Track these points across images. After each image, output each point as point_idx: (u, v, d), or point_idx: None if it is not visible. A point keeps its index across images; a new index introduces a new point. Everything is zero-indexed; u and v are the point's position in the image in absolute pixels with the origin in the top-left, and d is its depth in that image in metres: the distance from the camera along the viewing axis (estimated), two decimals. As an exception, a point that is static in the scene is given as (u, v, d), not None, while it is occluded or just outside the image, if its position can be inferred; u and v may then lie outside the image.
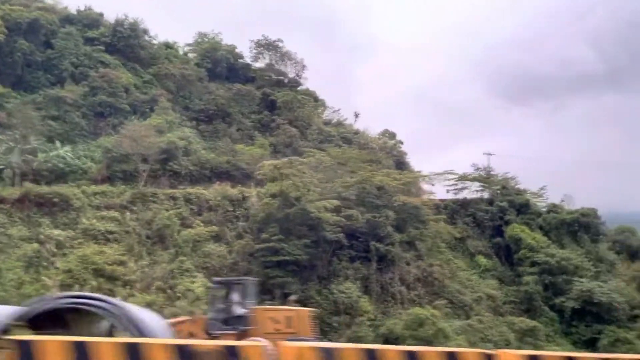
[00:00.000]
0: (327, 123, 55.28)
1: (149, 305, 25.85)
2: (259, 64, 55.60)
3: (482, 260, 42.08)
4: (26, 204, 29.68)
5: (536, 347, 34.40)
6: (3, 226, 28.16)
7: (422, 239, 39.23)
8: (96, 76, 42.46)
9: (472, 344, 33.04)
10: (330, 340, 29.98)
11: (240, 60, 54.91)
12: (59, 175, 34.52)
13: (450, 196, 47.04)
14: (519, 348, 34.03)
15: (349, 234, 34.26)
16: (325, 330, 30.67)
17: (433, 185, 46.00)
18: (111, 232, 29.69)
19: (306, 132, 49.28)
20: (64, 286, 25.80)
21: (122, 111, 41.99)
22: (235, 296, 15.76)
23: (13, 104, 38.59)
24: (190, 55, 55.57)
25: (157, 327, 7.02)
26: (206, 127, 46.12)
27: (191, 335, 13.75)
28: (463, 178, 46.20)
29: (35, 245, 27.70)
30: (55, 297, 9.24)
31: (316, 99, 55.14)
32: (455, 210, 45.45)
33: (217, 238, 32.85)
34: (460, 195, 47.25)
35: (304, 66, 55.05)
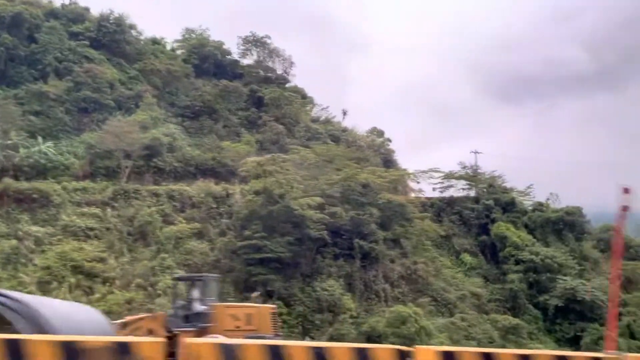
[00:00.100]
0: (316, 120, 55.12)
1: (128, 302, 25.70)
2: (247, 61, 55.37)
3: (467, 258, 42.16)
4: (5, 200, 29.32)
5: (519, 345, 34.52)
6: (-19, 222, 27.80)
7: (407, 236, 39.22)
8: (80, 71, 42.01)
9: (455, 342, 33.09)
10: (312, 338, 29.91)
11: (228, 57, 54.58)
12: (41, 171, 34.13)
13: (437, 194, 47.13)
14: (503, 346, 34.16)
15: (333, 232, 34.15)
16: (307, 328, 30.64)
17: (418, 183, 46.03)
18: (91, 229, 29.38)
19: (293, 129, 49.08)
20: (42, 283, 25.54)
21: (106, 107, 41.57)
22: (195, 293, 15.57)
23: (-5, 99, 38.10)
24: (179, 51, 55.20)
25: (83, 325, 6.80)
26: (192, 123, 45.80)
27: (150, 332, 13.55)
28: (449, 176, 46.25)
29: (14, 241, 27.37)
30: None
31: (304, 96, 54.94)
32: (441, 208, 45.51)
33: (199, 235, 32.63)
34: (447, 194, 47.36)
35: (292, 63, 54.89)
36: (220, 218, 34.41)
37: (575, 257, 42.33)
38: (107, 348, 4.07)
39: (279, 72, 55.41)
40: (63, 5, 49.68)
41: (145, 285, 27.80)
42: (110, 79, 43.54)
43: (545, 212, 45.64)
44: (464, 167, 48.58)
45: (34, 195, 29.81)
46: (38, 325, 6.30)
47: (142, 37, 51.83)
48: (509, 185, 49.13)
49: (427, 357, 5.29)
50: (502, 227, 42.68)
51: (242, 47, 54.27)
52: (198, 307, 15.11)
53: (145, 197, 33.31)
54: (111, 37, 47.08)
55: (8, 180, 30.67)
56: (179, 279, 17.51)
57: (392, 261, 36.90)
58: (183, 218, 33.04)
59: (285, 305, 30.84)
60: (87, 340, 4.19)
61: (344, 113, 56.70)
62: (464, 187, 47.71)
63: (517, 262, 40.65)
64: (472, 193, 47.88)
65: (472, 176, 48.04)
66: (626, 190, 8.79)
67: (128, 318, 14.86)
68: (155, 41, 53.84)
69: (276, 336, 14.64)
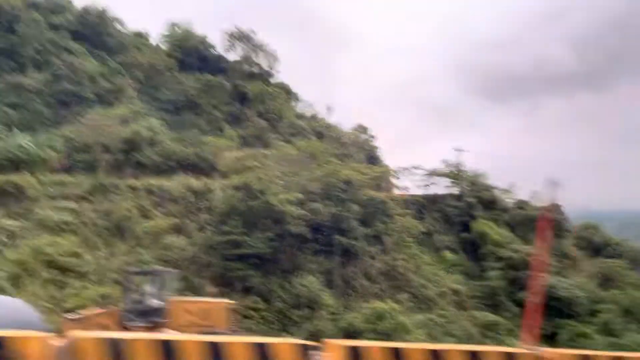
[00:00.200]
0: (300, 116, 55.01)
1: (102, 297, 25.42)
2: (231, 56, 54.99)
3: (448, 255, 42.34)
4: (-22, 193, 28.85)
5: (496, 341, 34.76)
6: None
7: (388, 233, 39.24)
8: (60, 64, 41.44)
9: (434, 338, 33.23)
10: (290, 334, 29.85)
11: (213, 51, 54.19)
12: (18, 165, 33.62)
13: (420, 191, 47.26)
14: (481, 342, 34.38)
15: (313, 228, 34.07)
16: (285, 324, 30.56)
17: (399, 179, 46.15)
18: (67, 223, 29.01)
19: (277, 124, 48.94)
20: (14, 277, 25.18)
21: (86, 100, 41.10)
22: (149, 288, 15.40)
23: (-29, 91, 37.50)
24: (163, 45, 54.65)
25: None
26: (174, 118, 45.41)
27: (104, 327, 13.39)
28: (432, 173, 46.39)
29: (-13, 235, 26.96)
30: None
31: (289, 92, 54.76)
32: (424, 205, 45.62)
33: (178, 230, 32.39)
34: (430, 191, 47.49)
35: (277, 58, 54.60)
36: (200, 213, 34.18)
37: (555, 255, 42.65)
38: None
39: (265, 67, 55.14)
40: (45, -3, 48.96)
41: (120, 280, 27.46)
42: (91, 71, 43.03)
43: (526, 209, 45.96)
44: (448, 165, 48.79)
45: (8, 189, 29.35)
46: None
47: (125, 30, 51.27)
48: (492, 183, 49.51)
49: (335, 351, 5.25)
50: (483, 225, 42.93)
51: (226, 42, 53.92)
52: (152, 302, 14.94)
53: (123, 192, 32.98)
54: (93, 30, 46.53)
55: (-18, 173, 30.19)
56: (134, 273, 17.26)
57: (373, 257, 36.93)
58: (162, 213, 32.76)
59: (264, 301, 30.77)
60: None
61: (329, 109, 56.66)
62: (447, 184, 47.91)
63: (497, 259, 40.94)
64: (456, 191, 48.08)
65: (456, 174, 48.23)
66: (552, 183, 8.77)
67: (82, 313, 14.65)
68: (139, 34, 53.28)
69: (232, 331, 14.52)
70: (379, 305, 30.16)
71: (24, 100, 39.02)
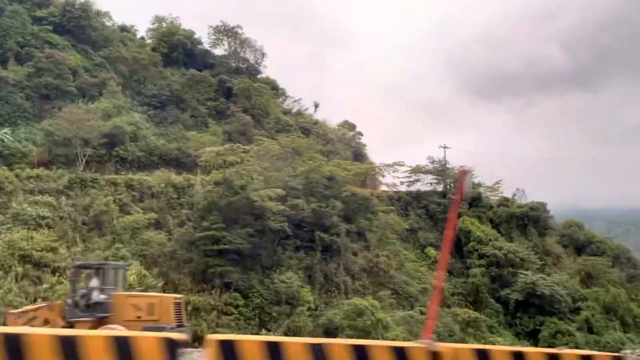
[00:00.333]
0: (287, 112, 54.81)
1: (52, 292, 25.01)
2: (218, 51, 54.72)
3: (432, 252, 42.33)
4: (-47, 187, 28.44)
5: (477, 339, 34.83)
6: None
7: (371, 229, 39.19)
8: (42, 57, 40.97)
9: (414, 335, 33.16)
10: (269, 330, 29.73)
11: (199, 46, 53.86)
12: (-4, 158, 33.25)
13: (404, 188, 47.26)
14: (463, 339, 34.41)
15: (294, 224, 33.91)
16: (264, 320, 30.40)
17: (383, 176, 46.10)
18: (43, 218, 28.65)
19: (263, 120, 48.70)
20: (-13, 272, 24.84)
21: (69, 94, 40.68)
22: (94, 282, 15.16)
23: (-50, 83, 37.00)
24: (149, 40, 54.26)
25: None
26: (158, 112, 45.10)
27: (47, 322, 13.17)
28: (416, 170, 46.37)
29: (-39, 229, 26.59)
30: None
31: (275, 88, 54.53)
32: (408, 202, 45.64)
33: (158, 225, 32.12)
34: (415, 188, 47.50)
35: (263, 54, 54.42)
36: (181, 209, 33.94)
37: (538, 252, 42.82)
38: None
39: (251, 62, 54.90)
40: (27, -11, 48.36)
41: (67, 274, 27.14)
42: (74, 65, 42.59)
43: (510, 207, 46.07)
44: (433, 162, 48.81)
45: (-16, 183, 28.97)
46: None
47: (109, 24, 50.82)
48: (478, 180, 49.49)
49: (211, 346, 5.13)
50: (466, 222, 42.95)
51: (212, 37, 53.62)
52: (97, 296, 14.71)
53: (103, 186, 32.64)
54: (76, 23, 46.06)
55: (-42, 167, 29.79)
56: (79, 267, 16.97)
57: (355, 254, 36.86)
58: (141, 208, 32.46)
59: (243, 297, 30.57)
60: None
61: (316, 106, 56.55)
62: (431, 181, 47.93)
63: (481, 257, 40.99)
64: (440, 187, 48.11)
65: (440, 170, 48.24)
66: (463, 173, 8.68)
67: (25, 308, 14.41)
68: (124, 29, 52.88)
69: (180, 327, 14.33)
70: (359, 301, 30.05)
71: (5, 94, 38.57)
